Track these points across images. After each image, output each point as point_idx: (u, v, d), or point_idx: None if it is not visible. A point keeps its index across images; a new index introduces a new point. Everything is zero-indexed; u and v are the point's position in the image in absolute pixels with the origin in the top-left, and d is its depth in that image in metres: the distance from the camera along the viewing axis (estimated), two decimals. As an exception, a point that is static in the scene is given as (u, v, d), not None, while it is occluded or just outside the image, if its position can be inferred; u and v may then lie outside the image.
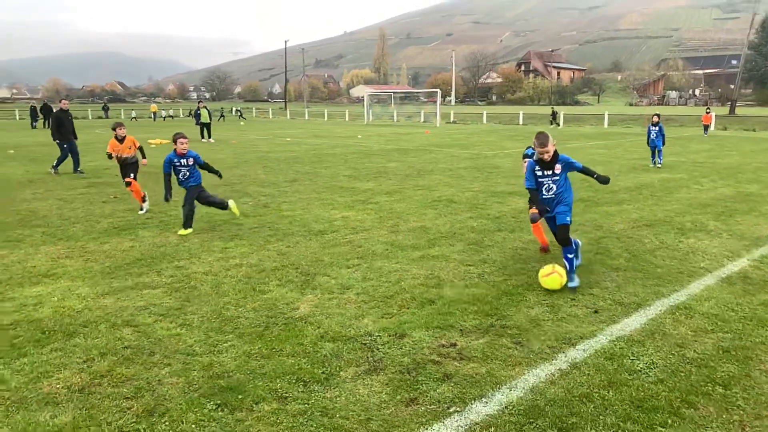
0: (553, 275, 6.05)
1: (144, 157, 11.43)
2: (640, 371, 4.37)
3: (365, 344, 4.88)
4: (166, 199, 9.10)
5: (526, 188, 6.65)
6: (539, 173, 6.47)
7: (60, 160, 16.56)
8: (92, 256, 7.66)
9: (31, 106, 48.87)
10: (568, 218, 6.42)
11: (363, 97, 72.94)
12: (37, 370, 4.40)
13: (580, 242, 6.98)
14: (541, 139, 6.30)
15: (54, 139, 16.86)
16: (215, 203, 9.36)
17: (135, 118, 62.25)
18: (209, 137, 29.75)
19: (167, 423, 3.69)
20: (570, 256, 6.32)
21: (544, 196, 6.50)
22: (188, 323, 5.34)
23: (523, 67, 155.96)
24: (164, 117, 65.31)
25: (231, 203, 9.49)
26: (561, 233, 6.37)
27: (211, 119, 30.79)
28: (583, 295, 6.03)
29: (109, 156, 11.17)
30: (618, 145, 26.36)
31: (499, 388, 4.14)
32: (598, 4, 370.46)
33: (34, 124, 44.64)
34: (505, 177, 15.19)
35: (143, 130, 41.52)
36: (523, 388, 4.14)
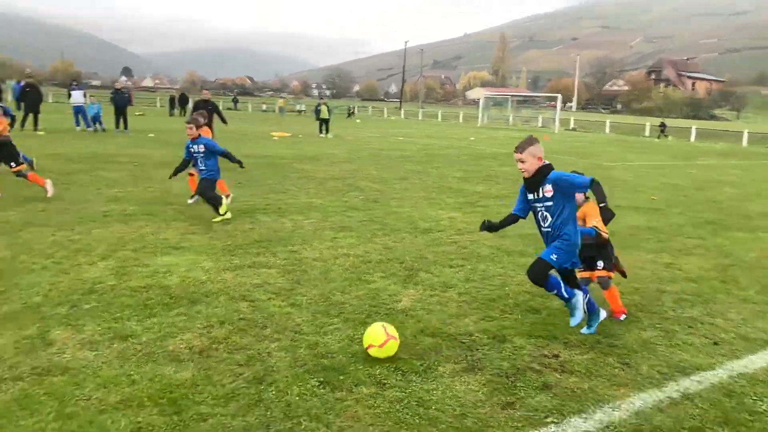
0: (389, 342, 4.50)
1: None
2: (763, 413, 4.04)
3: (464, 343, 4.91)
4: (170, 177, 9.89)
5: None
6: (530, 197, 4.91)
7: None
8: (216, 234, 8.26)
9: (170, 95, 53.12)
10: (553, 256, 4.69)
11: (479, 99, 72.21)
12: (164, 329, 4.85)
13: (581, 296, 4.98)
14: (518, 144, 4.88)
15: None
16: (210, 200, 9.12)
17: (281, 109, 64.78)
18: (327, 132, 30.85)
19: (274, 392, 3.94)
20: (553, 292, 4.88)
21: (542, 229, 4.93)
22: (298, 303, 5.64)
23: (653, 75, 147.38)
24: (299, 111, 67.93)
25: (224, 201, 9.20)
26: (532, 268, 4.75)
27: (330, 115, 31.90)
28: (702, 324, 5.64)
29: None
30: (757, 166, 24.26)
31: (600, 406, 4.01)
32: (746, 9, 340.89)
33: (171, 111, 48.47)
34: (622, 190, 14.50)
35: (269, 123, 43.81)
36: (627, 410, 3.98)
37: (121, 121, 26.31)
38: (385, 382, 4.18)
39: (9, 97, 32.36)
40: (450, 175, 16.25)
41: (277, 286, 6.16)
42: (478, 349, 4.80)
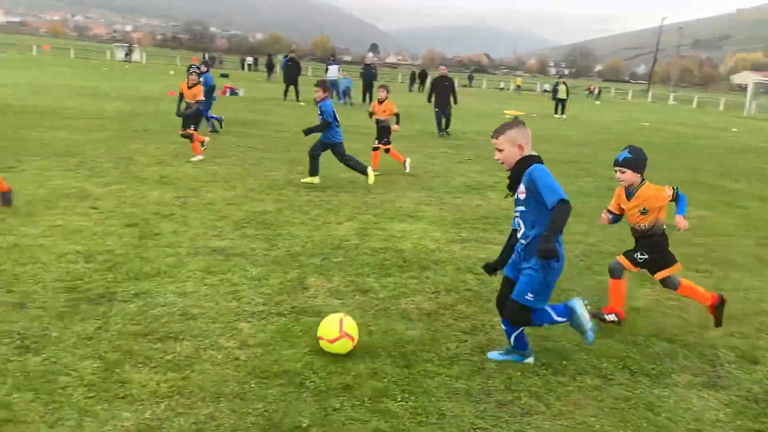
0: (341, 340, 3.96)
1: (398, 122, 11.43)
2: None
3: (706, 356, 4.48)
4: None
5: None
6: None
7: (438, 125, 17.88)
8: (446, 207, 8.61)
9: (411, 71, 55.74)
10: (529, 296, 3.78)
11: (746, 84, 62.79)
12: (398, 289, 5.26)
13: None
14: (497, 127, 3.88)
15: (428, 101, 18.87)
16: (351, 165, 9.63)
17: (519, 88, 64.36)
18: (562, 113, 29.72)
19: (495, 364, 4.06)
20: (512, 333, 4.00)
21: (517, 240, 4.02)
22: (523, 283, 5.66)
23: None
24: (545, 92, 66.28)
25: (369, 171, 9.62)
26: (507, 308, 3.93)
27: (568, 96, 30.62)
28: None
29: (370, 114, 11.76)
30: None
31: None
32: None
33: (411, 87, 50.91)
34: None
35: (503, 100, 43.64)
36: None
37: (368, 94, 28.46)
38: (611, 377, 4.03)
39: (277, 69, 36.95)
40: (702, 168, 14.59)
41: (501, 263, 6.23)
42: (722, 366, 4.34)
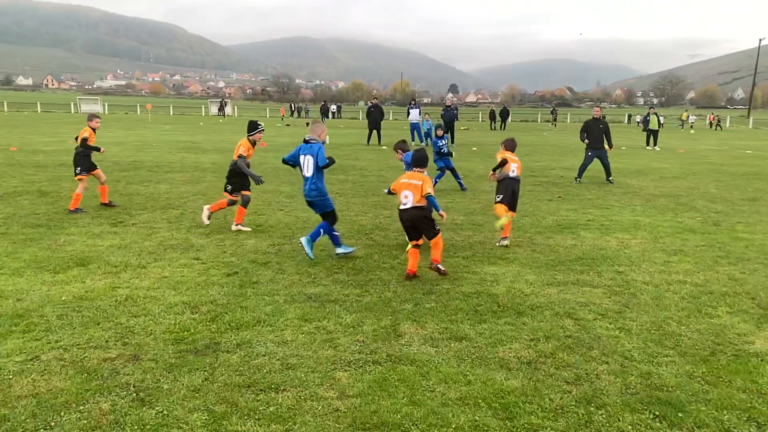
0: None
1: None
2: None
3: (843, 404, 4.03)
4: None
5: None
6: None
7: (581, 170, 15.78)
8: (538, 248, 8.38)
9: (491, 110, 55.64)
10: None
11: None
12: (494, 336, 5.14)
13: None
14: None
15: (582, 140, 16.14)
16: None
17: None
18: (655, 144, 28.50)
19: (604, 416, 3.84)
20: None
21: None
22: (626, 328, 5.38)
23: None
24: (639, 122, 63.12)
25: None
26: None
27: (660, 126, 29.40)
28: None
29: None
30: None
31: None
32: None
33: (492, 125, 50.72)
34: None
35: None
36: None
37: (449, 136, 28.63)
38: (734, 430, 3.70)
39: (360, 116, 37.92)
40: (817, 196, 13.45)
41: (604, 306, 5.96)
42: None
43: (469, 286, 6.56)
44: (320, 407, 3.91)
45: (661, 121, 28.83)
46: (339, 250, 7.70)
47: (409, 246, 7.05)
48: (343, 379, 4.32)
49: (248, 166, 9.18)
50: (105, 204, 10.83)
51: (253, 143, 9.24)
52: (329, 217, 7.64)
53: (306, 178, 7.47)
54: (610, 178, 15.52)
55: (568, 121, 66.92)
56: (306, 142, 7.47)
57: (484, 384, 4.26)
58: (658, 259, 7.85)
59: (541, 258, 7.83)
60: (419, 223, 6.78)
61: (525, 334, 5.20)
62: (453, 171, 14.14)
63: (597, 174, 16.99)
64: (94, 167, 10.77)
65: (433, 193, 6.78)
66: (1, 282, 6.35)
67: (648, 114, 30.26)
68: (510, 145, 8.98)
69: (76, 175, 10.51)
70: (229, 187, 9.17)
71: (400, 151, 8.80)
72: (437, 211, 6.77)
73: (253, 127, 9.22)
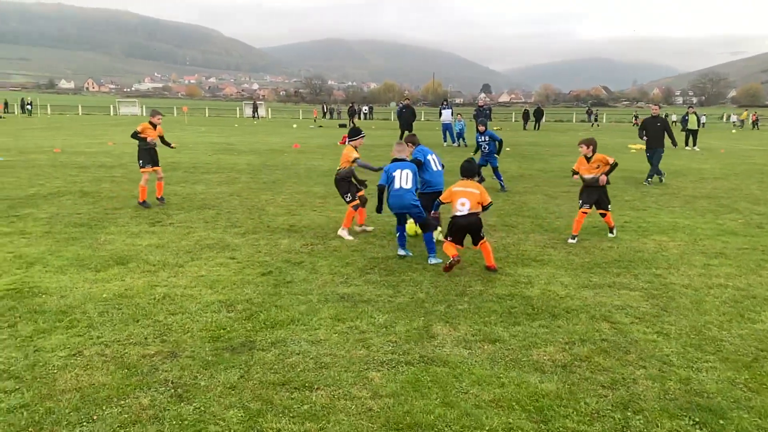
0: None
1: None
2: None
3: None
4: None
5: None
6: None
7: (652, 171, 15.52)
8: (573, 249, 8.27)
9: (524, 110, 55.06)
10: None
11: None
12: (528, 339, 5.09)
13: None
14: None
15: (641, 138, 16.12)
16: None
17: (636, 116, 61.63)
18: (694, 145, 27.82)
19: (641, 422, 3.78)
20: None
21: None
22: (665, 332, 5.27)
23: None
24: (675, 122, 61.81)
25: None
26: None
27: (699, 126, 28.69)
28: None
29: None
30: None
31: None
32: None
33: (525, 125, 50.21)
34: None
35: (626, 134, 41.80)
36: None
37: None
38: (779, 441, 3.60)
39: (392, 117, 37.98)
40: None
41: (641, 310, 5.85)
42: None
43: (502, 287, 6.51)
44: (353, 406, 3.94)
45: (702, 121, 28.06)
46: (432, 260, 7.55)
47: (444, 242, 7.17)
48: (376, 379, 4.33)
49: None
50: (159, 198, 11.53)
51: (355, 148, 9.31)
52: (425, 225, 7.78)
53: (405, 190, 7.63)
54: (650, 180, 15.24)
55: (604, 121, 65.77)
56: (397, 161, 7.87)
57: (518, 387, 4.23)
58: (698, 261, 7.67)
59: (576, 260, 7.72)
60: (474, 229, 7.08)
61: (560, 337, 5.14)
62: (495, 170, 14.09)
63: (634, 175, 16.68)
64: (156, 163, 11.58)
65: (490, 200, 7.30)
66: (46, 279, 6.56)
67: (686, 113, 29.56)
68: (594, 144, 9.21)
69: (140, 168, 11.44)
70: (348, 197, 9.12)
71: (410, 144, 8.82)
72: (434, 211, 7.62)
73: (355, 133, 9.50)
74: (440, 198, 7.52)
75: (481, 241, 7.15)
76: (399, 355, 4.75)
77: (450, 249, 6.98)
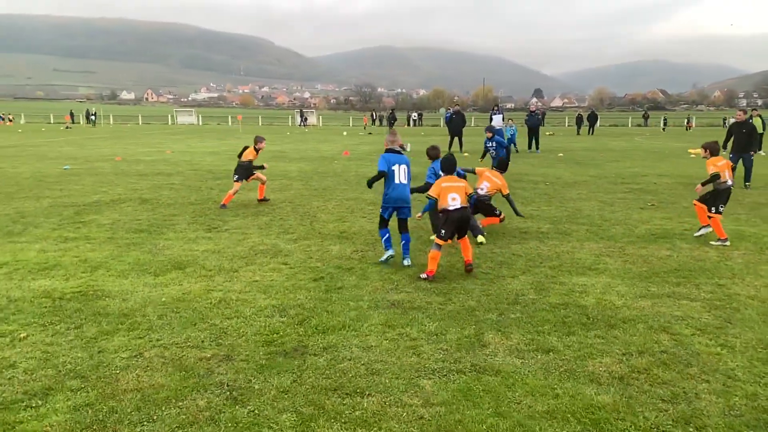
0: None
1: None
2: None
3: None
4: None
5: None
6: None
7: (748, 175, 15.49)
8: (630, 258, 8.03)
9: (578, 114, 53.89)
10: None
11: None
12: (583, 349, 4.97)
13: None
14: None
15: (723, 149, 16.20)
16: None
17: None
18: (759, 149, 26.53)
19: (704, 439, 3.63)
20: None
21: None
22: (729, 345, 5.05)
23: None
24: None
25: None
26: None
27: (764, 129, 27.40)
28: None
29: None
30: None
31: None
32: None
33: (579, 130, 49.11)
34: None
35: (686, 138, 40.43)
36: None
37: (533, 141, 28.04)
38: None
39: (441, 123, 37.87)
40: None
41: (703, 321, 5.63)
42: None
43: (556, 296, 6.38)
44: (405, 414, 3.93)
45: (768, 124, 26.75)
46: (406, 262, 7.76)
47: (434, 243, 7.26)
48: (427, 386, 4.32)
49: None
50: (261, 200, 12.66)
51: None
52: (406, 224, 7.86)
53: (404, 185, 7.70)
54: (748, 184, 15.01)
55: (661, 125, 63.71)
56: (392, 151, 7.81)
57: (573, 398, 4.13)
58: (765, 271, 7.32)
59: (633, 269, 7.49)
60: (464, 222, 7.28)
61: (616, 348, 4.99)
62: None
63: (694, 181, 16.09)
64: (251, 175, 12.55)
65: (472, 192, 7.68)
66: (109, 283, 6.84)
67: (750, 116, 28.30)
68: (714, 148, 9.19)
69: (234, 180, 12.31)
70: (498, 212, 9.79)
71: (430, 158, 9.21)
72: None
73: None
74: (430, 193, 7.57)
75: (466, 236, 7.37)
76: (450, 363, 4.72)
77: (433, 263, 7.13)
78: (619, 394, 4.18)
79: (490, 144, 13.98)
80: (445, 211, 7.23)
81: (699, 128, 60.68)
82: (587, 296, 6.39)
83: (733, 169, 14.91)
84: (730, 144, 15.91)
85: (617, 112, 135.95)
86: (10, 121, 68.23)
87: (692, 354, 4.88)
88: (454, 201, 7.19)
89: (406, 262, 7.70)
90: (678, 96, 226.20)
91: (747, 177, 15.35)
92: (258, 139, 12.73)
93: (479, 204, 9.62)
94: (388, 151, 7.87)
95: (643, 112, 74.99)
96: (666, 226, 10.14)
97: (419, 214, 7.93)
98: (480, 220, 9.56)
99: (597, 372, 4.54)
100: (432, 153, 9.16)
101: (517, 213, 9.78)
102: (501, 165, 10.43)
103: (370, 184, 7.98)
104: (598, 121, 53.06)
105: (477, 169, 10.25)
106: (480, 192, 9.56)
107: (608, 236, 9.37)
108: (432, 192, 7.49)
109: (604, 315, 5.80)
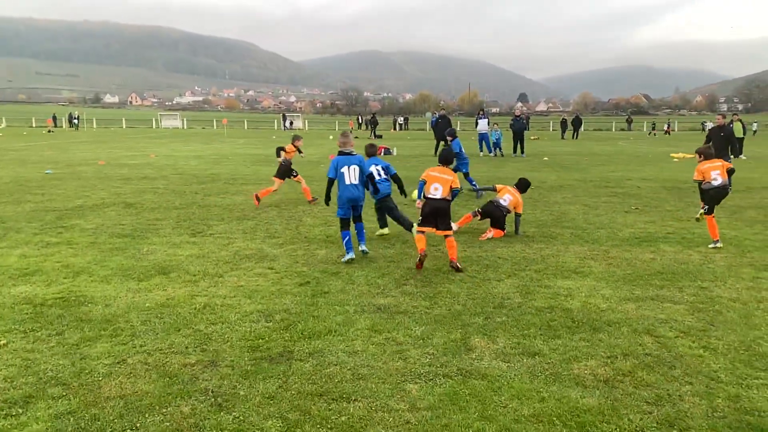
0: None
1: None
2: None
3: None
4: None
5: None
6: None
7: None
8: (614, 261, 8.09)
9: (562, 119, 54.31)
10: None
11: None
12: (569, 352, 4.99)
13: None
14: None
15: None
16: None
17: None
18: (740, 154, 26.96)
19: (688, 441, 3.65)
20: None
21: None
22: (712, 347, 5.10)
23: None
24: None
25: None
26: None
27: (744, 134, 27.84)
28: None
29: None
30: None
31: None
32: None
33: (563, 135, 49.51)
34: None
35: (667, 143, 40.86)
36: None
37: (518, 145, 28.21)
38: (837, 464, 3.43)
39: (427, 127, 37.94)
40: None
41: (686, 324, 5.68)
42: None
43: (541, 300, 6.41)
44: (391, 419, 3.92)
45: (754, 128, 27.17)
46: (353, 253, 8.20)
47: (416, 231, 7.94)
48: (413, 391, 4.31)
49: None
50: (310, 201, 13.20)
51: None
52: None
53: (355, 186, 8.14)
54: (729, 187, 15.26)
55: (644, 129, 64.40)
56: (344, 153, 8.26)
57: (559, 401, 4.14)
58: (746, 274, 7.41)
59: (617, 272, 7.55)
60: (442, 214, 7.66)
61: (601, 351, 5.02)
62: (466, 176, 14.60)
63: (677, 185, 16.28)
64: (290, 175, 13.42)
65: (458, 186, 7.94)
66: (92, 288, 6.75)
67: (731, 121, 28.72)
68: (707, 153, 9.48)
69: (274, 176, 13.46)
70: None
71: (367, 156, 9.45)
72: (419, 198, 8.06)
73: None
74: (422, 177, 7.97)
75: (448, 237, 7.69)
76: (436, 367, 4.72)
77: (420, 243, 7.65)
78: (604, 397, 4.20)
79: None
80: (426, 198, 7.77)
81: (681, 132, 61.41)
82: (572, 299, 6.43)
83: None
84: None
85: (601, 116, 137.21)
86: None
87: (676, 356, 4.92)
88: (435, 191, 7.67)
89: (362, 248, 8.28)
90: (660, 101, 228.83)
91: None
92: (296, 138, 13.97)
93: (496, 212, 9.71)
94: (340, 152, 8.27)
95: (627, 117, 75.76)
96: (649, 230, 10.23)
97: (418, 200, 8.03)
98: (489, 228, 9.72)
99: (582, 375, 4.56)
100: (370, 150, 9.65)
101: (517, 232, 9.83)
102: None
103: (327, 200, 8.38)
104: (583, 126, 53.55)
105: (498, 186, 10.45)
106: (502, 203, 9.74)
107: (593, 240, 9.44)
108: (423, 176, 7.94)
109: (589, 318, 5.83)
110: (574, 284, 7.00)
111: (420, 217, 7.73)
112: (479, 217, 9.93)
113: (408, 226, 9.27)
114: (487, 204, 9.84)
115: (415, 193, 9.26)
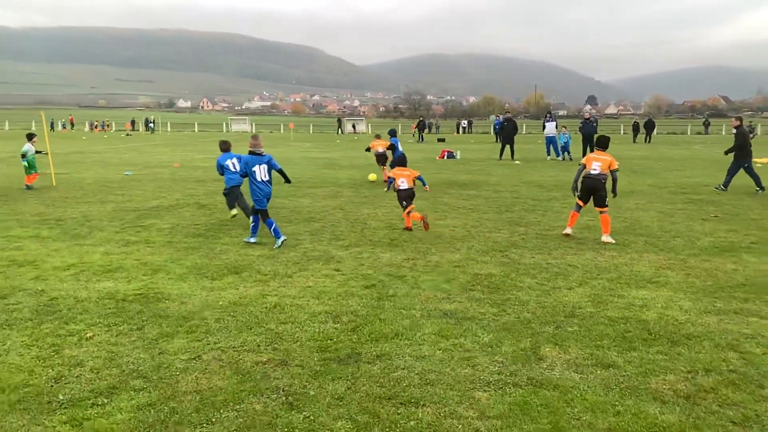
0: None
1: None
2: None
3: None
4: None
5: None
6: None
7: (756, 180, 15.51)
8: (693, 271, 7.73)
9: (634, 122, 52.38)
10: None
11: None
12: (645, 365, 4.80)
13: None
14: None
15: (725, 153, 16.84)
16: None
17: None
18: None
19: (780, 465, 3.43)
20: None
21: None
22: (804, 366, 4.77)
23: None
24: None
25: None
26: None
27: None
28: None
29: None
30: None
31: None
32: None
33: (635, 139, 47.73)
34: None
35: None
36: None
37: (588, 149, 27.41)
38: None
39: (491, 131, 37.46)
40: None
41: (774, 340, 5.35)
42: None
43: (615, 310, 6.20)
44: (460, 426, 3.88)
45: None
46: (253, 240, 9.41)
47: (405, 213, 10.54)
48: (482, 399, 4.25)
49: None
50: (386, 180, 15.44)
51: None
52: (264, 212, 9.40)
53: (265, 182, 9.16)
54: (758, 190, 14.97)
55: (723, 133, 61.26)
56: (254, 154, 9.12)
57: (636, 416, 3.99)
58: (840, 289, 6.91)
59: (696, 283, 7.20)
60: (407, 197, 10.47)
61: (681, 366, 4.80)
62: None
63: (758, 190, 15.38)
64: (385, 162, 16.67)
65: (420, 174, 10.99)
66: (169, 286, 7.04)
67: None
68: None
69: (381, 166, 17.09)
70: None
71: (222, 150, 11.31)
72: (424, 185, 11.04)
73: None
74: (391, 175, 10.98)
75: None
76: (506, 376, 4.64)
77: (408, 221, 10.52)
78: (685, 414, 4.01)
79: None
80: (397, 190, 10.59)
81: (765, 135, 58.02)
82: (648, 310, 6.18)
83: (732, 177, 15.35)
84: None
85: (675, 119, 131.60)
86: (107, 127, 72.97)
87: (764, 374, 4.64)
88: (402, 183, 10.53)
89: (252, 240, 9.33)
90: (741, 102, 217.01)
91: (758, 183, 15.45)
92: (377, 136, 18.12)
93: (595, 183, 9.54)
94: (250, 153, 9.13)
95: (704, 120, 72.31)
96: (731, 239, 9.71)
97: (425, 186, 11.08)
98: (600, 209, 9.65)
99: (660, 390, 4.37)
100: (223, 146, 11.26)
101: (614, 191, 9.65)
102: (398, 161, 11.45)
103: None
104: (655, 129, 51.50)
105: (582, 161, 10.10)
106: (593, 173, 9.60)
107: (669, 248, 9.05)
108: (392, 173, 10.83)
109: (667, 330, 5.59)
110: (649, 294, 6.73)
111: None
112: (582, 203, 9.87)
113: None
114: (584, 181, 9.73)
115: (373, 175, 11.28)
